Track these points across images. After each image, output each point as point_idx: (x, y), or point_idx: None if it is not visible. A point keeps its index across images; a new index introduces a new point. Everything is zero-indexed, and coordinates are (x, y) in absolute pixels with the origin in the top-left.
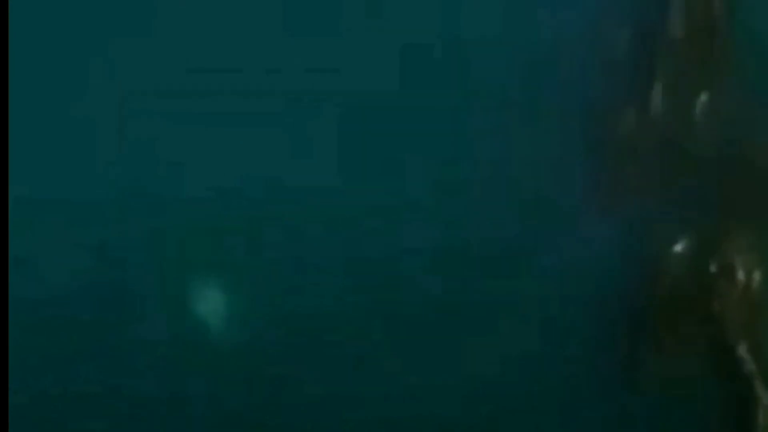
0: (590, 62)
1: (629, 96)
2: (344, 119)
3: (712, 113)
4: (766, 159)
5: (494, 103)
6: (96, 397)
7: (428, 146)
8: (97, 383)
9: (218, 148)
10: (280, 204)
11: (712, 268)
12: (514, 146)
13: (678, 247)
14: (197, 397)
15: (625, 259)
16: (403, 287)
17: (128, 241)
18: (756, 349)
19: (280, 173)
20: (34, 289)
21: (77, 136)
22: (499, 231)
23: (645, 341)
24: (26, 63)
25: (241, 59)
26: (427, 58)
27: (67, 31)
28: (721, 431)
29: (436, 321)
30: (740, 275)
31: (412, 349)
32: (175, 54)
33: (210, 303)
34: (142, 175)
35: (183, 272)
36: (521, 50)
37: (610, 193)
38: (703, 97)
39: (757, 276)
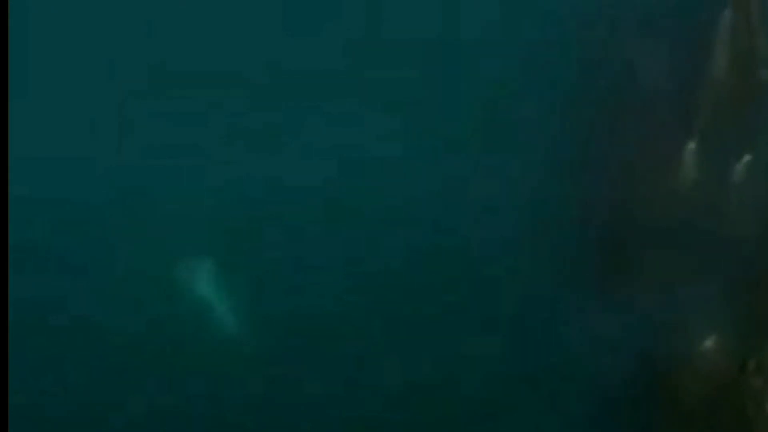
0: (624, 103)
1: (662, 150)
2: (344, 119)
3: (753, 177)
4: None
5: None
6: (95, 398)
7: (429, 146)
8: (96, 383)
9: (218, 149)
10: (280, 204)
11: (751, 366)
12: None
13: (709, 341)
14: (197, 397)
15: (644, 349)
16: (403, 287)
17: (127, 241)
18: None
19: (280, 173)
20: (33, 289)
21: (77, 136)
22: (498, 234)
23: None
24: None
25: (240, 60)
26: (433, 63)
27: (67, 31)
28: None
29: (436, 321)
30: None
31: (411, 349)
32: (175, 55)
33: (210, 302)
34: (141, 175)
35: (182, 272)
36: (561, 88)
37: (633, 264)
38: (746, 157)
39: None
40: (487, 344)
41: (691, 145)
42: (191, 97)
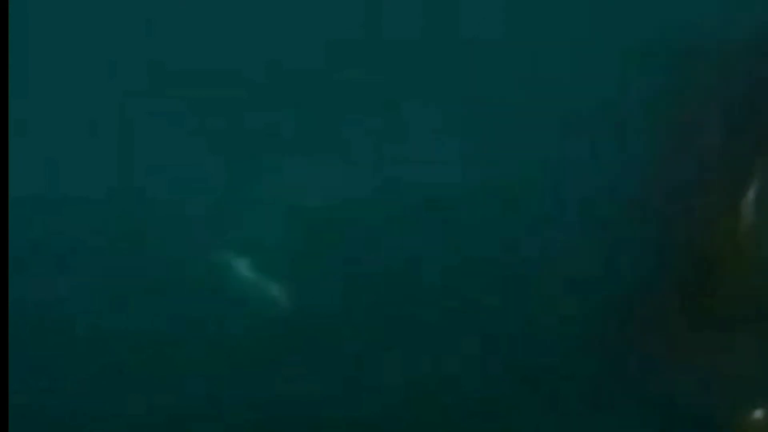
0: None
1: (719, 198)
2: (345, 120)
3: None
4: None
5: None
6: (95, 398)
7: (432, 148)
8: (96, 384)
9: (217, 148)
10: (280, 204)
11: None
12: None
13: (759, 412)
14: (197, 397)
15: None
16: (403, 287)
17: (126, 242)
18: None
19: (280, 173)
20: (33, 289)
21: (77, 136)
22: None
23: None
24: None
25: (241, 61)
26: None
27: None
28: None
29: (436, 322)
30: None
31: (412, 350)
32: (174, 54)
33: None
34: (141, 176)
35: (181, 272)
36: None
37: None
38: None
39: None
40: (487, 344)
41: (754, 188)
42: (191, 97)
